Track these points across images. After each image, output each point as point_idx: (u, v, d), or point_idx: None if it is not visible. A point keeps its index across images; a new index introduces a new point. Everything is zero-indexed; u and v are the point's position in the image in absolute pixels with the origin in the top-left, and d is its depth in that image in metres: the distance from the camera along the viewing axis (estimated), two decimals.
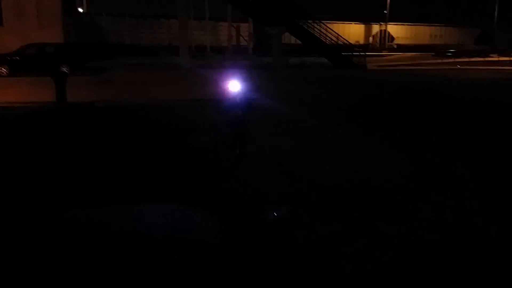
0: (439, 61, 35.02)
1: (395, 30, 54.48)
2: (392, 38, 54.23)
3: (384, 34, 53.46)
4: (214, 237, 3.72)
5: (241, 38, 39.04)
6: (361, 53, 29.71)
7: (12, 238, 3.78)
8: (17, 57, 19.59)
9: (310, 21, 29.16)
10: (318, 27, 29.37)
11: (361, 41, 52.09)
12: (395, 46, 52.81)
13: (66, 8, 28.86)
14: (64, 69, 18.75)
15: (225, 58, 30.94)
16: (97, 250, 3.40)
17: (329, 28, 29.81)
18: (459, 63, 32.26)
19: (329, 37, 29.50)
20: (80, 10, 41.86)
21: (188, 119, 9.86)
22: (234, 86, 6.06)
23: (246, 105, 6.21)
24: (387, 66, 30.76)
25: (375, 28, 54.29)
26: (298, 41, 30.88)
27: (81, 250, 3.40)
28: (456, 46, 47.19)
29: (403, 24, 54.59)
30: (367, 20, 53.71)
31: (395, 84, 18.72)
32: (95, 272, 3.11)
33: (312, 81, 19.64)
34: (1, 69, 19.10)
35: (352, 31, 51.24)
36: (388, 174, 5.97)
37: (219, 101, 6.21)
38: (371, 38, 54.34)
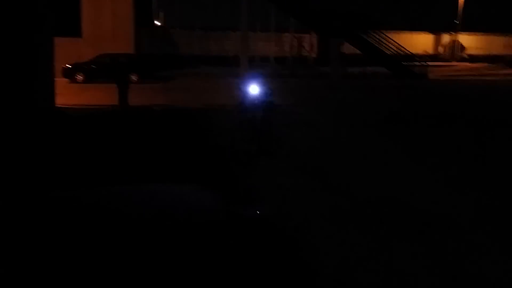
0: (507, 71, 33.71)
1: (467, 40, 52.70)
2: (463, 48, 52.51)
3: (454, 44, 51.90)
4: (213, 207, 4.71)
5: (303, 48, 39.86)
6: (422, 63, 29.43)
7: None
8: (93, 66, 21.72)
9: (371, 31, 29.48)
10: (379, 37, 29.59)
11: (430, 51, 50.93)
12: (466, 56, 51.12)
13: (142, 21, 31.25)
14: (132, 77, 20.61)
15: (284, 68, 31.86)
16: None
17: (391, 38, 29.88)
18: None
19: (390, 47, 29.56)
20: (158, 23, 45.02)
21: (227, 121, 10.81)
22: (253, 89, 6.93)
23: (265, 107, 7.05)
24: (450, 76, 30.18)
25: (446, 38, 52.84)
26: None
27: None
28: None
29: (475, 34, 52.65)
30: (437, 30, 52.41)
31: (446, 93, 18.73)
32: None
33: (360, 90, 20.02)
34: (78, 76, 21.31)
35: (420, 41, 50.28)
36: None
37: (241, 104, 7.09)
38: (441, 48, 52.96)
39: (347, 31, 27.79)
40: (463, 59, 50.16)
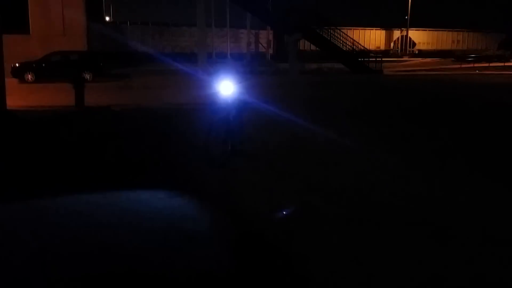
0: (458, 66, 34.86)
1: (417, 35, 54.34)
2: (414, 44, 54.09)
3: (405, 40, 53.40)
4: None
5: (260, 45, 39.80)
6: (377, 59, 29.94)
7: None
8: (43, 64, 20.66)
9: (328, 27, 29.75)
10: (335, 33, 29.91)
11: (382, 47, 52.19)
12: (416, 52, 52.73)
13: (92, 17, 30.07)
14: (86, 76, 19.74)
15: (242, 64, 31.57)
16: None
17: (347, 34, 30.30)
18: (477, 68, 32.11)
19: (346, 43, 29.96)
20: (107, 19, 43.46)
21: (193, 120, 10.38)
22: (226, 87, 6.60)
23: (238, 105, 6.75)
24: (404, 72, 30.87)
25: (396, 34, 54.26)
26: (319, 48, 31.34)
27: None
28: (477, 51, 46.78)
29: (425, 30, 54.38)
30: (388, 26, 53.73)
31: (401, 88, 19.20)
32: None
33: (321, 86, 20.06)
34: (27, 76, 20.21)
35: (373, 37, 51.46)
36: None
37: (213, 102, 6.76)
38: (392, 44, 54.33)
39: (304, 27, 27.88)
40: (413, 55, 51.73)
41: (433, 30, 54.67)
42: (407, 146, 8.08)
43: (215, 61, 31.56)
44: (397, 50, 53.21)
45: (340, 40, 29.80)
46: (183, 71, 26.52)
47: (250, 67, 29.55)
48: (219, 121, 6.48)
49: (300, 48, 30.24)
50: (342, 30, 31.27)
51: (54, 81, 19.20)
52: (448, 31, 54.77)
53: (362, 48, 31.71)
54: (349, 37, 30.39)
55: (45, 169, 6.36)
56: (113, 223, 4.28)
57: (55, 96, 15.36)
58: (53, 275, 3.36)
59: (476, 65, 34.54)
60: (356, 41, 31.01)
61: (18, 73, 20.31)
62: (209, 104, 6.82)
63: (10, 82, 16.91)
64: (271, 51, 39.91)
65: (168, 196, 5.03)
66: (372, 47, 46.95)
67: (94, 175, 6.01)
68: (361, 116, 11.66)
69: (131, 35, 39.87)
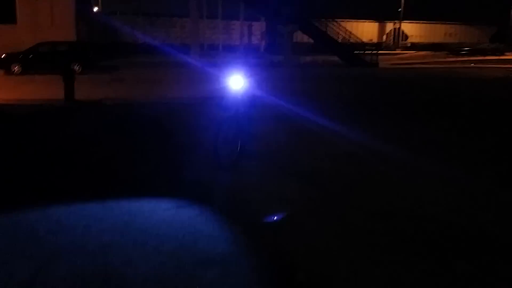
0: (452, 59, 34.58)
1: (410, 28, 54.05)
2: (406, 37, 53.79)
3: (398, 33, 53.07)
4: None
5: (253, 37, 39.14)
6: (373, 52, 29.46)
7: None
8: (30, 55, 19.83)
9: (322, 19, 29.19)
10: (330, 25, 29.37)
11: (375, 39, 51.82)
12: (409, 45, 52.45)
13: (80, 7, 29.17)
14: (76, 68, 18.95)
15: (235, 56, 30.90)
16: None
17: (342, 26, 29.77)
18: (472, 61, 31.81)
19: (342, 36, 29.43)
20: (96, 9, 42.31)
21: (192, 116, 9.81)
22: (236, 82, 6.03)
23: (248, 101, 6.18)
24: (399, 64, 30.45)
25: (389, 26, 53.92)
26: (311, 40, 30.82)
27: None
28: (471, 44, 46.58)
29: (418, 22, 54.07)
30: (381, 18, 53.31)
31: (393, 80, 18.86)
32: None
33: (322, 79, 19.57)
34: (14, 67, 19.36)
35: (365, 29, 50.99)
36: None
37: (221, 98, 6.18)
38: (384, 37, 54.00)
39: (299, 18, 27.28)
40: (406, 47, 51.41)
41: (425, 23, 54.40)
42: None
43: (205, 53, 30.84)
44: (390, 43, 52.87)
45: (335, 32, 29.27)
46: (175, 63, 25.87)
47: (243, 59, 28.90)
48: (228, 119, 5.90)
49: (295, 40, 29.67)
50: (336, 22, 30.80)
51: (42, 72, 18.44)
52: (441, 23, 54.54)
53: (358, 40, 31.24)
54: (344, 29, 29.88)
55: (29, 173, 5.73)
56: (111, 241, 3.69)
57: (43, 88, 14.65)
58: None
59: (470, 58, 34.28)
60: (352, 34, 30.52)
61: (4, 64, 19.49)
62: (217, 100, 6.24)
63: None
64: (263, 43, 39.26)
65: (175, 206, 4.45)
66: (365, 39, 46.46)
67: (87, 181, 5.41)
68: (382, 113, 10.96)
69: (120, 25, 38.94)
